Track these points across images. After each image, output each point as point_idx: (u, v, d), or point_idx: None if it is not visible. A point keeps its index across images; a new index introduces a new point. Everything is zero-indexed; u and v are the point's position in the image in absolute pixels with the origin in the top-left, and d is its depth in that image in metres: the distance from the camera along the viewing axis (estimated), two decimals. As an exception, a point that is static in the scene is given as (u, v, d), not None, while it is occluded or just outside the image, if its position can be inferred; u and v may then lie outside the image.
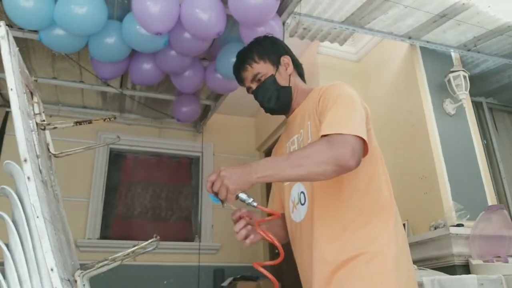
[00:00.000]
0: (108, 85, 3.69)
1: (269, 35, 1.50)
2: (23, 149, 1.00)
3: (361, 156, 1.12)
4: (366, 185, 1.23)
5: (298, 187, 1.33)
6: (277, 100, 1.39)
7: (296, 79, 1.44)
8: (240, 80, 1.45)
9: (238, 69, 1.43)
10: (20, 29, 2.73)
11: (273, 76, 1.39)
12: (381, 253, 1.14)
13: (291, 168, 1.07)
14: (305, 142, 1.31)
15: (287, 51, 1.46)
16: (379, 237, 1.17)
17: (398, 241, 1.19)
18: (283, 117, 1.50)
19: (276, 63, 1.41)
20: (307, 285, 1.31)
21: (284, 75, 1.41)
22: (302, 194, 1.31)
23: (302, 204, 1.31)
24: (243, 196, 1.09)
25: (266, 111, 1.45)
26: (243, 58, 1.42)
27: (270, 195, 1.59)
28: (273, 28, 2.59)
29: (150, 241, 1.11)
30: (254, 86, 1.41)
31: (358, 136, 1.12)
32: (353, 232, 1.18)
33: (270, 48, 1.43)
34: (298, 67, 1.47)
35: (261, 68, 1.39)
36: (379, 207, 1.22)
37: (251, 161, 1.16)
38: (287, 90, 1.40)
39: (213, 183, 1.08)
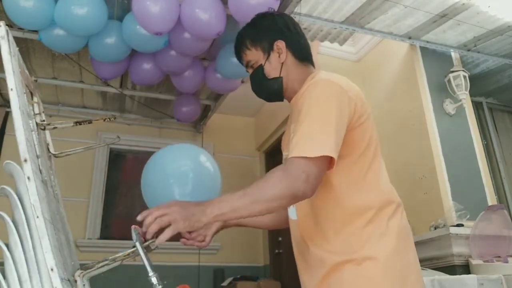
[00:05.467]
0: (108, 85, 3.70)
1: (270, 12, 1.39)
2: (23, 149, 1.00)
3: (318, 180, 1.06)
4: (359, 183, 1.17)
5: None
6: (266, 92, 1.33)
7: (289, 67, 1.30)
8: (240, 63, 1.39)
9: (236, 53, 1.37)
10: (20, 29, 2.74)
11: (261, 66, 1.29)
12: (371, 257, 1.09)
13: (248, 206, 1.04)
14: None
15: (284, 33, 1.31)
16: (370, 240, 1.11)
17: (391, 242, 1.12)
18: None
19: (268, 50, 1.29)
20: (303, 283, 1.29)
21: (275, 64, 1.29)
22: None
23: None
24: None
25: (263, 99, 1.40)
26: (238, 43, 1.35)
27: None
28: (273, 28, 2.59)
29: (150, 241, 1.11)
30: (250, 71, 1.34)
31: (318, 157, 1.05)
32: (345, 235, 1.13)
33: (264, 32, 1.31)
34: (297, 51, 1.31)
35: (253, 56, 1.31)
36: (373, 206, 1.15)
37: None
38: (275, 82, 1.29)
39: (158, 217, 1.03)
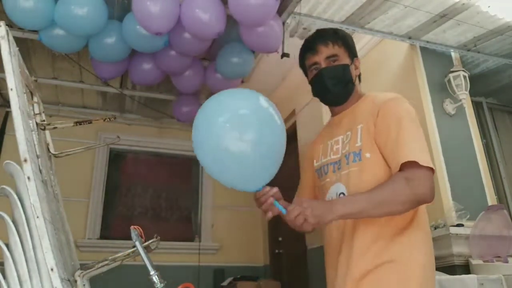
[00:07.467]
0: (108, 85, 3.69)
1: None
2: (23, 149, 1.00)
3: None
4: None
5: (337, 187, 1.33)
6: (343, 89, 1.39)
7: (356, 83, 1.45)
8: (312, 50, 1.41)
9: (318, 40, 1.40)
10: (20, 29, 2.73)
11: (348, 66, 1.39)
12: (411, 261, 1.18)
13: (374, 208, 1.14)
14: (352, 143, 1.32)
15: (357, 55, 1.47)
16: (411, 246, 1.20)
17: (427, 249, 1.23)
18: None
19: (352, 59, 1.42)
20: (332, 281, 1.32)
21: (354, 73, 1.42)
22: (342, 195, 1.32)
23: None
24: None
25: (321, 93, 1.43)
26: (329, 35, 1.41)
27: (300, 184, 1.58)
28: (273, 28, 2.59)
29: (150, 241, 1.11)
30: (323, 64, 1.38)
31: (432, 168, 1.16)
32: (387, 241, 1.21)
33: (352, 45, 1.44)
34: (360, 74, 1.48)
35: (341, 53, 1.39)
36: (414, 215, 1.25)
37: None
38: (352, 86, 1.41)
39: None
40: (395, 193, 1.14)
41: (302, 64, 1.48)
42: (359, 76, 1.47)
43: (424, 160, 1.16)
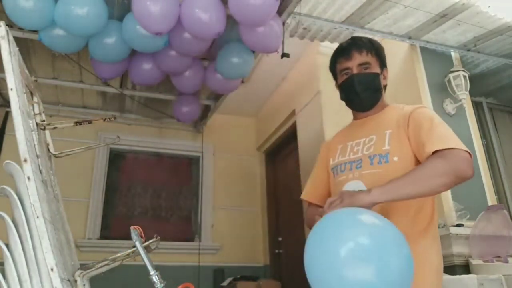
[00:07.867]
0: (108, 85, 3.69)
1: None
2: (23, 149, 1.00)
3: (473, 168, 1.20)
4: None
5: (356, 185, 1.35)
6: (370, 96, 1.44)
7: (383, 92, 1.50)
8: (346, 55, 1.46)
9: (353, 47, 1.46)
10: (20, 29, 2.73)
11: (379, 75, 1.45)
12: (427, 262, 1.23)
13: (412, 183, 1.16)
14: (377, 146, 1.37)
15: (386, 65, 1.53)
16: (429, 247, 1.26)
17: (439, 251, 1.29)
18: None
19: (381, 69, 1.48)
20: None
21: (382, 82, 1.48)
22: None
23: None
24: None
25: (349, 97, 1.48)
26: (364, 43, 1.46)
27: (309, 182, 1.61)
28: (273, 28, 2.59)
29: (150, 241, 1.11)
30: (355, 70, 1.43)
31: (467, 151, 1.21)
32: (410, 242, 1.22)
33: (383, 56, 1.50)
34: (386, 84, 1.53)
35: (373, 62, 1.45)
36: (431, 216, 1.31)
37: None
38: (379, 95, 1.47)
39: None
40: (432, 168, 1.16)
41: (333, 68, 1.53)
42: (385, 86, 1.52)
43: (459, 145, 1.20)
